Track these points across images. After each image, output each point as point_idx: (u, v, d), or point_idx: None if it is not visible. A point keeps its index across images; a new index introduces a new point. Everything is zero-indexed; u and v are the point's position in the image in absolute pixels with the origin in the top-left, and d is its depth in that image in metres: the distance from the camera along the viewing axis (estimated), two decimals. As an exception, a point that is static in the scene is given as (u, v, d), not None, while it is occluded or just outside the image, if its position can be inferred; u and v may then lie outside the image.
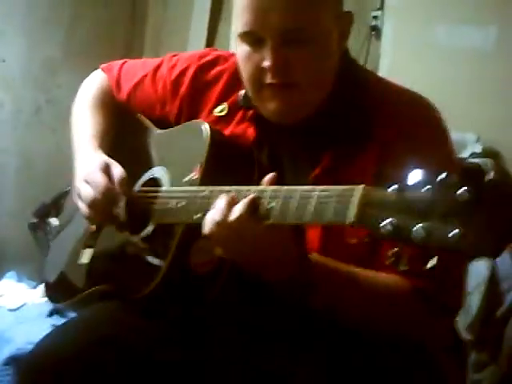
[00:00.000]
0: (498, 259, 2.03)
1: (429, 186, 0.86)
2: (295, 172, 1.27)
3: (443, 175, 0.86)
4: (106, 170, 1.32)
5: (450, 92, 2.46)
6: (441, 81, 2.49)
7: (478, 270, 2.01)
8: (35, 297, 2.46)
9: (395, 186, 0.90)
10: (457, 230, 0.83)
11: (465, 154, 2.29)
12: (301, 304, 1.13)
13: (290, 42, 1.18)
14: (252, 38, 1.20)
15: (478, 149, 2.29)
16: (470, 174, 0.85)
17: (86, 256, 1.42)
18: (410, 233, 0.86)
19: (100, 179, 1.30)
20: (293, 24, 1.17)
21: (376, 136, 1.22)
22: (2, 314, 2.47)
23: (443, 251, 0.85)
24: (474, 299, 2.02)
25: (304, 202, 1.01)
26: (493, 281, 2.01)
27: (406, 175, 0.89)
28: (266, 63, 1.18)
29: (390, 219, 0.88)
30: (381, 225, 0.89)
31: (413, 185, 0.88)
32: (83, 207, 1.33)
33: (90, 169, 1.34)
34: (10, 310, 2.49)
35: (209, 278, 1.19)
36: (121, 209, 1.30)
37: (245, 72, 1.24)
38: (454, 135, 2.24)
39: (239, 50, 1.23)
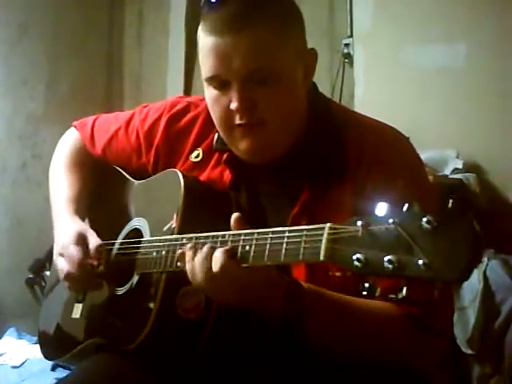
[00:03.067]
0: (489, 271, 2.06)
1: (393, 218, 0.88)
2: (275, 211, 1.28)
3: (406, 206, 0.88)
4: (82, 241, 1.32)
5: (426, 111, 2.50)
6: (416, 101, 2.54)
7: (472, 284, 2.03)
8: (37, 352, 2.45)
9: (361, 221, 0.92)
10: (424, 260, 0.85)
11: (447, 171, 2.33)
12: (294, 335, 1.14)
13: (254, 82, 1.18)
14: (218, 81, 1.20)
15: (459, 164, 2.32)
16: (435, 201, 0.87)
17: (77, 310, 1.43)
18: (382, 265, 0.88)
19: (74, 253, 1.31)
20: (255, 65, 1.18)
21: (349, 167, 1.24)
22: (5, 371, 2.45)
23: (415, 281, 0.87)
24: (470, 313, 2.03)
25: (276, 244, 1.04)
26: (487, 293, 2.03)
27: (373, 208, 0.92)
28: (233, 105, 1.20)
29: (360, 254, 0.90)
30: (352, 260, 0.91)
31: (378, 218, 0.90)
32: (61, 279, 1.34)
33: (65, 242, 1.34)
34: (13, 367, 2.48)
35: (198, 323, 1.20)
36: (101, 275, 1.32)
37: (214, 115, 1.25)
38: (434, 153, 2.32)
39: (207, 93, 1.24)
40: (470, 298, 2.04)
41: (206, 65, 1.21)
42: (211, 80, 1.22)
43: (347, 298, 1.17)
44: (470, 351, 2.05)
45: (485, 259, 2.05)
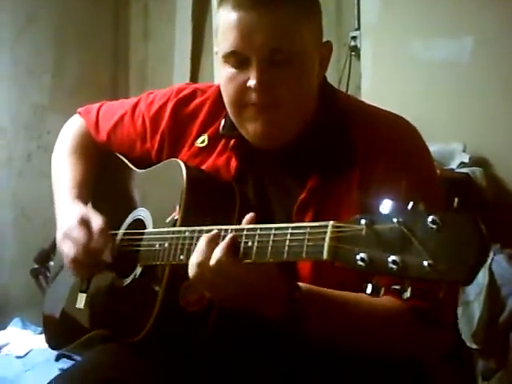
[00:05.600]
0: (495, 265, 2.05)
1: (398, 217, 0.87)
2: (282, 197, 1.28)
3: (411, 205, 0.87)
4: (85, 223, 1.31)
5: (432, 104, 2.49)
6: (422, 94, 2.53)
7: (477, 278, 2.00)
8: (41, 342, 2.46)
9: (365, 220, 0.90)
10: (428, 260, 0.84)
11: (453, 165, 2.31)
12: (295, 334, 1.13)
13: (274, 62, 1.18)
14: (237, 58, 1.20)
15: (466, 158, 2.31)
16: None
17: (81, 300, 1.43)
18: (386, 265, 0.87)
19: (79, 235, 1.29)
20: (278, 43, 1.18)
21: (358, 157, 1.23)
22: (9, 361, 2.47)
23: (419, 281, 0.86)
24: (475, 308, 2.02)
25: (279, 241, 1.02)
26: (492, 288, 2.02)
27: (378, 205, 0.90)
28: (251, 82, 1.18)
29: (363, 253, 0.89)
30: (356, 259, 0.89)
31: (382, 216, 0.89)
32: (67, 263, 1.33)
33: (69, 224, 1.33)
34: (18, 357, 2.49)
35: (201, 316, 1.20)
36: (106, 258, 1.30)
37: (228, 93, 1.24)
38: (441, 146, 2.30)
39: (223, 71, 1.23)
40: (476, 293, 2.02)
41: (226, 40, 1.20)
42: (230, 56, 1.21)
43: (349, 295, 1.16)
44: (474, 346, 2.04)
45: (491, 254, 2.04)
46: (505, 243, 2.08)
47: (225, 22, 1.21)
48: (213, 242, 1.08)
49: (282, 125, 1.23)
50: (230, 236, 1.08)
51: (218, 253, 1.07)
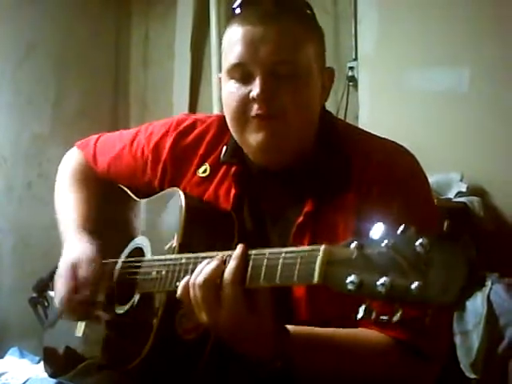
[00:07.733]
0: (493, 295, 2.05)
1: (388, 240, 0.88)
2: (280, 224, 1.28)
3: (401, 229, 0.87)
4: (72, 273, 1.32)
5: (430, 134, 2.51)
6: (420, 124, 2.55)
7: (476, 308, 2.02)
8: (39, 372, 2.44)
9: (355, 243, 0.91)
10: (417, 283, 0.84)
11: (451, 194, 2.32)
12: (281, 370, 1.13)
13: (278, 74, 1.20)
14: (241, 71, 1.21)
15: (463, 187, 2.32)
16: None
17: (80, 328, 1.43)
18: (375, 288, 0.87)
19: (60, 288, 1.32)
20: (283, 55, 1.20)
21: (353, 181, 1.24)
22: (6, 391, 2.45)
23: (408, 304, 0.86)
24: (474, 338, 2.02)
25: (272, 266, 1.02)
26: (491, 317, 2.02)
27: (370, 227, 0.91)
28: (254, 92, 1.19)
29: (353, 276, 0.89)
30: (346, 282, 0.90)
31: (372, 240, 0.90)
32: (57, 303, 1.36)
33: (58, 271, 1.36)
34: (15, 387, 2.48)
35: (197, 344, 1.20)
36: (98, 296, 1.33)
37: (230, 106, 1.24)
38: (439, 176, 2.32)
39: (226, 87, 1.24)
40: (474, 323, 2.02)
41: (231, 53, 1.22)
42: (234, 68, 1.22)
43: (334, 334, 1.17)
44: (473, 376, 2.04)
45: (489, 283, 2.04)
46: (503, 273, 2.08)
47: (231, 39, 1.23)
48: (219, 265, 1.08)
49: (285, 137, 1.23)
50: (234, 262, 1.07)
51: (226, 274, 1.06)
